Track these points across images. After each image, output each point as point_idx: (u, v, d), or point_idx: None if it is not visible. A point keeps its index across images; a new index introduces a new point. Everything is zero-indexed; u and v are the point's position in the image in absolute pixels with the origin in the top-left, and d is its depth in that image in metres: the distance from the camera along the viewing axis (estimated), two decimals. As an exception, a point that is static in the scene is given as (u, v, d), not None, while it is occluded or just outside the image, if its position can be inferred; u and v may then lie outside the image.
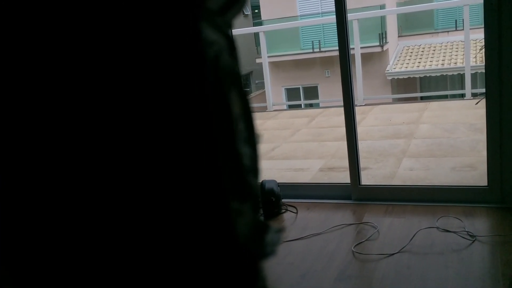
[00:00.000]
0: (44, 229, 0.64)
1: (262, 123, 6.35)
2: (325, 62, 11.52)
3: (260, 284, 0.67)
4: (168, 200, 0.61)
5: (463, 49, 7.96)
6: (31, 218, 0.64)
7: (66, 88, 0.60)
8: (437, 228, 2.53)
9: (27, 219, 0.65)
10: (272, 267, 2.38)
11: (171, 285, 0.63)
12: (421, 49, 12.00)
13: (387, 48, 11.39)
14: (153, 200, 0.61)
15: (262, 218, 0.74)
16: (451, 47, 11.46)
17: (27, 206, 0.64)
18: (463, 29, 7.12)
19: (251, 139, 0.68)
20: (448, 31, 12.08)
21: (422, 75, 11.31)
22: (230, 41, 0.65)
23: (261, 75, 8.49)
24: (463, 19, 7.08)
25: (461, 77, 9.74)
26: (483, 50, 2.61)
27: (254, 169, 0.68)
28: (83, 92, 0.60)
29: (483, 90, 2.70)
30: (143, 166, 0.61)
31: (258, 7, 14.46)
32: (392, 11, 11.78)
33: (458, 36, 11.11)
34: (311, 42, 11.68)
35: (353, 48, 6.56)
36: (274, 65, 11.50)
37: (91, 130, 0.61)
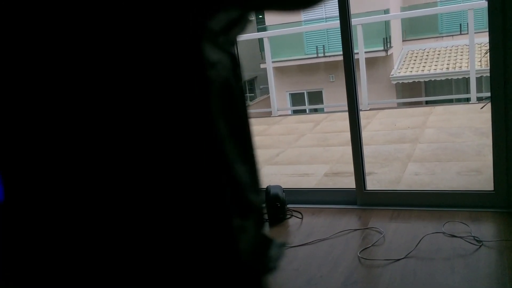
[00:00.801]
0: (44, 229, 0.64)
1: (266, 128, 6.35)
2: (329, 67, 11.52)
3: None
4: (169, 219, 0.61)
5: (468, 53, 7.94)
6: (32, 218, 0.65)
7: (68, 91, 0.61)
8: (443, 233, 2.52)
9: (28, 219, 0.65)
10: (277, 273, 2.37)
11: None
12: (425, 53, 11.98)
13: (392, 53, 11.38)
14: (156, 220, 0.62)
15: (265, 232, 0.74)
16: (455, 51, 11.44)
17: (28, 206, 0.64)
18: (467, 33, 7.10)
19: (251, 155, 0.68)
20: (452, 35, 12.06)
21: (427, 79, 11.29)
22: (234, 59, 0.66)
23: (265, 81, 8.50)
24: (467, 23, 7.07)
25: (466, 81, 9.72)
26: (488, 53, 2.60)
27: (254, 185, 0.68)
28: (82, 98, 0.60)
29: (489, 94, 2.69)
30: (140, 189, 0.61)
31: (262, 12, 14.48)
32: (396, 15, 11.78)
33: (462, 40, 11.08)
34: (315, 47, 11.69)
35: (358, 53, 6.56)
36: (279, 70, 11.51)
37: (88, 134, 0.61)
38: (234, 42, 0.67)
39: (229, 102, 0.64)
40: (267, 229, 2.90)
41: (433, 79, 11.15)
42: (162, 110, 0.59)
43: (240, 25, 0.66)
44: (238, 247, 0.62)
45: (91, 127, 0.60)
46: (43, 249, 0.65)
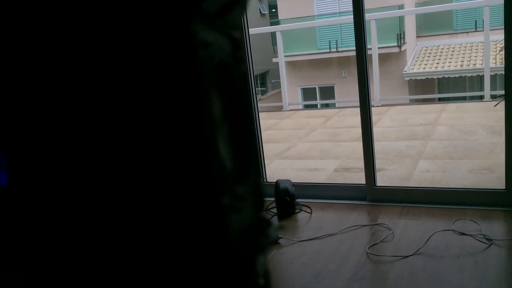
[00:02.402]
0: (41, 229, 0.65)
1: (277, 122, 6.34)
2: (341, 62, 11.46)
3: (259, 281, 0.66)
4: (157, 199, 0.62)
5: (483, 50, 7.86)
6: (31, 218, 0.65)
7: (62, 89, 0.61)
8: (453, 231, 2.51)
9: (27, 219, 0.66)
10: (285, 267, 2.38)
11: (162, 284, 0.63)
12: (439, 50, 11.87)
13: (405, 49, 11.29)
14: (142, 199, 0.62)
15: (263, 214, 0.73)
16: (470, 48, 11.31)
17: (27, 206, 0.65)
18: (482, 30, 7.02)
19: (247, 139, 0.68)
20: (467, 32, 11.93)
21: (440, 76, 11.19)
22: (234, 42, 0.65)
23: (277, 75, 8.48)
24: (483, 20, 6.99)
25: (480, 78, 9.62)
26: (503, 51, 2.57)
27: (253, 167, 0.68)
28: (75, 93, 0.61)
29: (503, 92, 2.66)
30: (129, 166, 0.61)
31: (275, 6, 14.45)
32: (410, 11, 11.67)
33: (477, 37, 10.96)
34: (328, 42, 11.62)
35: (370, 48, 6.52)
36: (291, 65, 11.48)
37: (82, 129, 0.61)
38: (235, 26, 0.67)
39: (225, 84, 0.63)
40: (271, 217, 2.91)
41: (446, 76, 11.04)
42: (148, 89, 0.59)
43: (238, 7, 0.66)
44: (228, 226, 0.62)
45: (78, 112, 0.60)
46: (42, 249, 0.65)
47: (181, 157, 0.60)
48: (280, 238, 2.65)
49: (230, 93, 0.64)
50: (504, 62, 2.58)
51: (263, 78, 16.05)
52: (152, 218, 0.62)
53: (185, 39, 0.58)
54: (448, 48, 11.77)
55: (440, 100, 8.85)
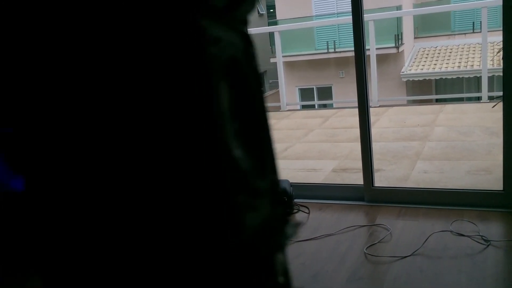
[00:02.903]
0: (44, 229, 0.65)
1: (275, 122, 6.34)
2: (339, 62, 11.47)
3: (278, 279, 0.66)
4: (168, 199, 0.61)
5: (480, 51, 7.87)
6: (32, 218, 0.65)
7: (64, 88, 0.61)
8: (451, 231, 2.51)
9: (28, 220, 0.65)
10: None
11: (176, 284, 0.63)
12: (437, 51, 11.88)
13: (403, 50, 11.30)
14: (154, 201, 0.61)
15: (281, 212, 0.73)
16: (468, 50, 11.33)
17: (27, 206, 0.65)
18: (480, 32, 7.04)
19: (264, 133, 0.67)
20: (465, 33, 11.94)
21: (437, 77, 11.20)
22: (245, 38, 0.65)
23: (275, 75, 8.48)
24: (480, 21, 7.00)
25: (478, 79, 9.63)
26: (501, 52, 2.58)
27: (269, 165, 0.67)
28: (81, 91, 0.60)
29: (500, 93, 2.67)
30: (140, 166, 0.61)
31: (273, 6, 14.45)
32: (408, 12, 11.69)
33: (475, 39, 10.98)
34: (326, 42, 11.63)
35: (369, 49, 6.53)
36: (289, 65, 11.48)
37: (91, 129, 0.61)
38: (245, 21, 0.66)
39: (236, 80, 0.63)
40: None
41: (444, 77, 11.06)
42: (156, 87, 0.59)
43: (247, 2, 0.66)
44: (243, 224, 0.61)
45: (90, 118, 0.60)
46: (44, 249, 0.65)
47: (192, 155, 0.60)
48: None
49: (242, 89, 0.63)
50: (502, 64, 2.59)
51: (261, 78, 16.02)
52: (165, 218, 0.61)
53: (194, 36, 0.58)
54: (446, 49, 11.79)
55: (438, 101, 8.86)
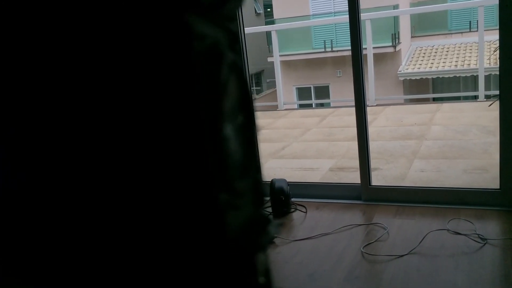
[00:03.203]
0: (39, 229, 0.65)
1: (272, 122, 6.34)
2: (336, 61, 11.48)
3: (259, 279, 0.66)
4: (153, 196, 0.61)
5: (477, 50, 7.89)
6: (30, 218, 0.65)
7: (55, 87, 0.60)
8: (448, 230, 2.52)
9: (26, 220, 0.65)
10: (280, 266, 2.38)
11: (160, 284, 0.63)
12: (434, 50, 11.90)
13: (400, 49, 11.31)
14: (138, 197, 0.61)
15: (263, 212, 0.72)
16: (464, 49, 11.36)
17: (26, 206, 0.65)
18: (477, 31, 7.05)
19: (249, 131, 0.67)
20: (462, 32, 11.97)
21: (434, 76, 11.22)
22: (231, 35, 0.64)
23: (272, 74, 8.48)
24: (477, 20, 7.01)
25: (474, 78, 9.66)
26: (497, 51, 2.58)
27: (253, 163, 0.67)
28: (70, 90, 0.60)
29: (497, 92, 2.67)
30: (127, 160, 0.60)
31: (270, 6, 14.45)
32: (405, 11, 11.70)
33: (472, 38, 11.01)
34: (323, 41, 11.64)
35: (366, 48, 6.53)
36: (286, 64, 11.48)
37: (77, 127, 0.60)
38: (232, 18, 0.66)
39: (222, 77, 0.62)
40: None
41: (441, 76, 11.08)
42: (142, 82, 0.58)
43: None
44: (225, 223, 0.61)
45: (74, 107, 0.60)
46: (40, 249, 0.65)
47: (177, 153, 0.60)
48: (276, 237, 2.65)
49: (227, 86, 0.63)
50: (498, 63, 2.59)
51: (258, 78, 16.05)
52: (149, 216, 0.61)
53: (180, 32, 0.57)
54: (443, 48, 11.81)
55: (435, 100, 8.88)
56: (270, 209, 3.01)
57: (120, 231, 0.62)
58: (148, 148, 0.60)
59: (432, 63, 11.33)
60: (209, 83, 0.60)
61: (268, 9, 15.89)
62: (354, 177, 3.26)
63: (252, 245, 0.66)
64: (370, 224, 2.73)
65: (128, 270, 0.63)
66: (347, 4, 2.86)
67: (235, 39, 0.64)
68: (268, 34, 9.55)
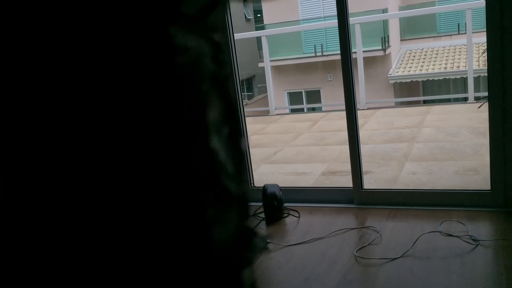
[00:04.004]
0: (35, 228, 0.64)
1: (264, 127, 6.34)
2: (327, 66, 11.53)
3: None
4: (140, 211, 0.60)
5: (466, 52, 7.95)
6: (27, 218, 0.64)
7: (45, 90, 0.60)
8: (440, 232, 2.52)
9: (25, 220, 0.64)
10: (274, 271, 2.37)
11: None
12: (423, 53, 12.00)
13: (390, 52, 11.39)
14: (126, 211, 0.60)
15: (248, 225, 0.71)
16: (453, 51, 11.46)
17: (24, 207, 0.64)
18: (465, 33, 7.11)
19: (235, 143, 0.66)
20: (450, 35, 12.08)
21: (424, 79, 11.30)
22: (215, 46, 0.64)
23: (263, 79, 8.49)
24: (465, 23, 7.07)
25: (464, 80, 9.74)
26: (486, 53, 2.60)
27: (238, 175, 0.66)
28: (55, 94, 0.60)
29: (486, 94, 2.69)
30: (114, 176, 0.60)
31: (260, 11, 14.50)
32: (394, 15, 11.79)
33: (460, 40, 11.10)
34: (313, 46, 11.69)
35: (355, 52, 6.56)
36: (277, 69, 11.51)
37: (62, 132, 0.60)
38: (215, 28, 0.65)
39: (207, 89, 0.62)
40: (257, 224, 2.90)
41: (431, 78, 11.16)
42: (125, 94, 0.58)
43: (219, 8, 0.65)
44: (212, 239, 0.61)
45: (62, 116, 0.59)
46: (37, 250, 0.64)
47: (163, 167, 0.59)
48: (269, 243, 2.64)
49: (212, 97, 0.63)
50: (487, 64, 2.61)
51: (249, 83, 16.07)
52: (136, 230, 0.61)
53: (163, 45, 0.57)
54: (432, 51, 11.91)
55: (425, 102, 8.94)
56: (262, 215, 3.00)
57: (108, 244, 0.61)
58: (134, 163, 0.59)
59: (422, 66, 11.41)
60: (192, 96, 0.60)
61: (258, 15, 15.95)
62: (346, 181, 3.26)
63: (239, 259, 0.65)
64: (363, 227, 2.73)
65: (113, 284, 0.62)
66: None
67: (219, 50, 0.64)
68: (259, 39, 9.58)
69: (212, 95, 0.62)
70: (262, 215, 3.00)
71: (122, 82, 0.58)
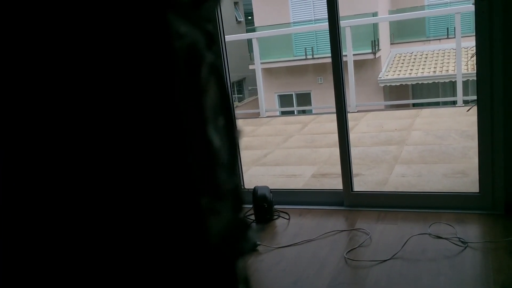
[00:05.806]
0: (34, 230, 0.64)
1: (255, 129, 6.35)
2: (318, 69, 11.57)
3: (239, 286, 0.65)
4: (134, 200, 0.60)
5: (455, 56, 8.02)
6: (26, 219, 0.64)
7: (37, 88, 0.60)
8: (429, 234, 2.54)
9: (24, 220, 0.64)
10: (264, 273, 2.37)
11: None
12: (413, 57, 12.08)
13: (380, 55, 11.45)
14: (118, 200, 0.60)
15: (242, 217, 0.71)
16: (442, 55, 11.55)
17: (23, 207, 0.64)
18: (454, 37, 7.18)
19: (229, 133, 0.66)
20: (439, 39, 12.18)
21: (414, 82, 11.38)
22: (209, 36, 0.64)
23: (254, 82, 8.51)
24: (454, 27, 7.14)
25: (453, 84, 9.82)
26: (474, 57, 2.63)
27: (232, 165, 0.66)
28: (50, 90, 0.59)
29: (475, 97, 2.71)
30: (106, 163, 0.59)
31: (251, 13, 14.52)
32: (384, 18, 11.87)
33: (449, 44, 11.21)
34: (304, 49, 11.72)
35: (346, 55, 6.59)
36: (267, 72, 11.53)
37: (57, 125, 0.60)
38: (209, 19, 0.65)
39: (202, 75, 0.62)
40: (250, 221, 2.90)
41: (420, 82, 11.24)
42: (120, 80, 0.58)
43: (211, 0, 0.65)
44: (207, 229, 0.60)
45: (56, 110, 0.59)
46: (36, 250, 0.64)
47: (158, 155, 0.59)
48: (259, 244, 2.64)
49: (207, 85, 0.62)
50: (475, 68, 2.64)
51: (240, 85, 16.08)
52: (129, 221, 0.60)
53: (160, 30, 0.57)
54: (421, 55, 11.99)
55: (415, 105, 8.99)
56: (253, 217, 3.00)
57: (98, 236, 0.61)
58: (128, 150, 0.59)
59: (411, 70, 11.49)
60: (189, 82, 0.60)
61: (249, 17, 15.97)
62: (337, 183, 3.27)
63: (232, 252, 0.65)
64: (353, 229, 2.74)
65: (106, 277, 0.62)
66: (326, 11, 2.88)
67: (212, 40, 0.64)
68: (249, 42, 9.59)
69: (209, 82, 0.62)
70: (252, 217, 3.00)
71: (119, 66, 0.57)
